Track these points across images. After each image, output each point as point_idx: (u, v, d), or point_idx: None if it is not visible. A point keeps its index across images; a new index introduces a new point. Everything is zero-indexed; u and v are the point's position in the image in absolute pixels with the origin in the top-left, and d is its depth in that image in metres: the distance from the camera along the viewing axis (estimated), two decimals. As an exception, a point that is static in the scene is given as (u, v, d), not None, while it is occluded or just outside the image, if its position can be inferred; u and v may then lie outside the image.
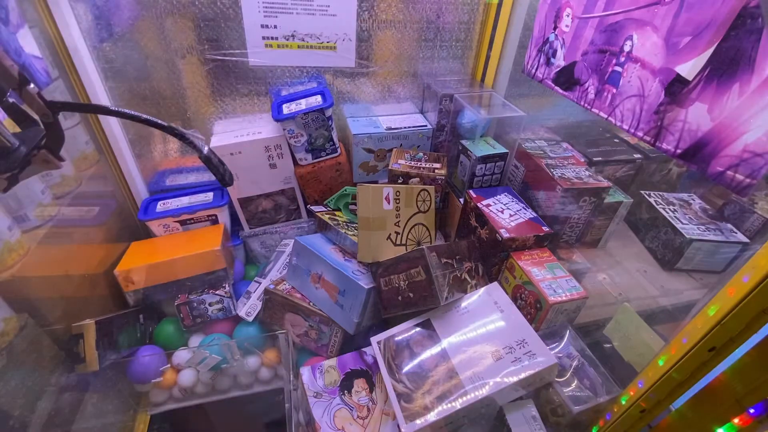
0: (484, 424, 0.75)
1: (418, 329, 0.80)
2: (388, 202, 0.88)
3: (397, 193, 0.89)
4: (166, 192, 1.05)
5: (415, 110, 1.16)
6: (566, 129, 1.11)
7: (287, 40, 0.94)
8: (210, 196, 1.03)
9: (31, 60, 0.72)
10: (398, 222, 0.90)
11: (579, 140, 1.07)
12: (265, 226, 1.11)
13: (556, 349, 0.80)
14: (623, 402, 0.64)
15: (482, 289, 0.83)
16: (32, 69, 0.73)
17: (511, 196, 0.97)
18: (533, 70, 0.89)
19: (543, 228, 0.87)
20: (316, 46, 0.97)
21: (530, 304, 0.80)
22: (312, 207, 1.06)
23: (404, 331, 0.81)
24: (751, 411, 0.47)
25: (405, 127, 1.07)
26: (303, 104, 0.93)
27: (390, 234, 0.89)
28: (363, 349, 0.83)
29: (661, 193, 1.03)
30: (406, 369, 0.75)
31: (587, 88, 0.73)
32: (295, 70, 1.00)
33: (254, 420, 0.86)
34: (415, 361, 0.75)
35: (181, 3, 0.86)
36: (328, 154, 1.01)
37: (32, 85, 0.35)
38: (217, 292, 0.93)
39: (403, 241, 0.91)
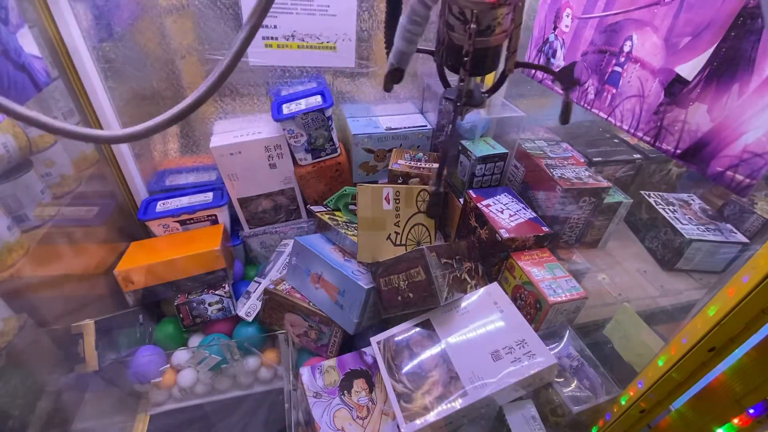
0: (483, 424, 0.75)
1: (417, 329, 0.80)
2: (388, 202, 0.88)
3: (397, 193, 0.89)
4: (165, 192, 1.05)
5: (415, 110, 1.16)
6: (566, 129, 1.11)
7: (287, 40, 0.94)
8: (210, 196, 1.03)
9: (31, 60, 0.72)
10: (398, 222, 0.90)
11: (579, 140, 1.07)
12: (265, 226, 1.11)
13: (556, 350, 0.80)
14: (623, 402, 0.64)
15: (482, 290, 0.83)
16: (32, 69, 0.72)
17: (510, 197, 0.97)
18: (533, 71, 0.89)
19: (543, 228, 0.87)
20: (316, 46, 0.97)
21: (530, 304, 0.81)
22: (312, 207, 1.06)
23: (404, 332, 0.81)
24: (751, 411, 0.47)
25: (405, 128, 1.07)
26: (303, 104, 0.93)
27: (390, 234, 0.89)
28: (363, 350, 0.83)
29: (660, 193, 1.03)
30: (405, 369, 0.75)
31: (587, 89, 0.73)
32: (295, 70, 1.00)
33: (254, 420, 0.86)
34: (415, 361, 0.75)
35: (181, 3, 0.86)
36: (327, 154, 1.01)
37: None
38: (216, 292, 0.93)
39: (403, 241, 0.91)
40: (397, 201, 0.90)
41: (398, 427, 0.68)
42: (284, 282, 0.94)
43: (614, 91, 0.67)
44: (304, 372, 0.79)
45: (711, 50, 0.52)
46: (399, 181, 0.98)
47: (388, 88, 0.51)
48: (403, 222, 0.91)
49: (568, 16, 0.77)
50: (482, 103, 0.50)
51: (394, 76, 0.49)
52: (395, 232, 0.90)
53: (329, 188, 1.07)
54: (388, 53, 0.50)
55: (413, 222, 0.92)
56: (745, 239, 0.89)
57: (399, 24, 0.46)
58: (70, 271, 0.82)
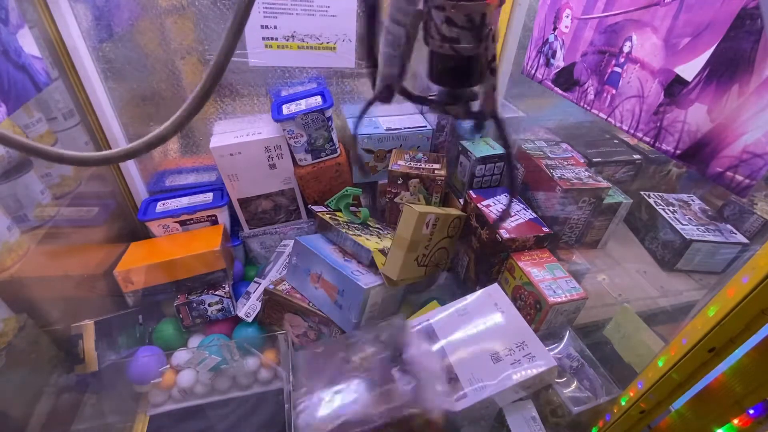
0: (483, 424, 0.75)
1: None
2: (427, 227, 0.86)
3: (437, 219, 0.88)
4: (165, 192, 1.05)
5: (415, 111, 1.16)
6: (566, 130, 1.11)
7: (287, 40, 0.94)
8: (210, 196, 1.03)
9: (31, 60, 0.72)
10: (428, 245, 0.89)
11: (578, 141, 1.07)
12: (265, 227, 1.11)
13: (556, 350, 0.80)
14: (623, 403, 0.64)
15: (482, 291, 0.83)
16: (32, 69, 0.72)
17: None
18: (533, 71, 0.89)
19: (543, 228, 0.87)
20: (315, 46, 0.97)
21: (530, 304, 0.80)
22: (312, 207, 1.06)
23: (404, 332, 0.80)
24: (751, 412, 0.47)
25: (405, 128, 1.07)
26: (303, 105, 0.93)
27: (418, 256, 0.88)
28: (362, 350, 0.83)
29: (660, 194, 1.03)
30: (405, 370, 0.75)
31: (587, 89, 0.73)
32: (294, 70, 1.00)
33: (253, 421, 0.86)
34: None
35: (181, 3, 0.86)
36: (327, 155, 1.01)
37: None
38: (216, 292, 0.93)
39: (426, 263, 0.90)
40: (434, 226, 0.88)
41: (398, 427, 0.68)
42: (284, 282, 0.94)
43: (614, 91, 0.67)
44: (304, 372, 0.79)
45: (710, 51, 0.52)
46: (399, 182, 0.99)
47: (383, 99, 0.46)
48: (432, 245, 0.90)
49: (567, 17, 0.77)
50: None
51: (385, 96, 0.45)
52: (423, 254, 0.89)
53: (329, 188, 1.07)
54: (369, 71, 0.44)
55: (439, 246, 0.92)
56: (744, 240, 0.89)
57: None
58: (69, 272, 0.82)
